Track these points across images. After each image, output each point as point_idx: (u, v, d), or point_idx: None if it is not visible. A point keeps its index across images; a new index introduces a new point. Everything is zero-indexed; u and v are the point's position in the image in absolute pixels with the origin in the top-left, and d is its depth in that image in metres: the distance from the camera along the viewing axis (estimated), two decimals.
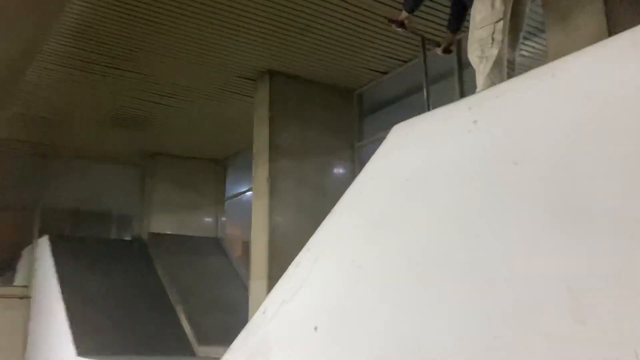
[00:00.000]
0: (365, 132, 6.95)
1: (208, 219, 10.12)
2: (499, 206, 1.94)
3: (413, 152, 2.38)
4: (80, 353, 6.29)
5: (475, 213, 2.01)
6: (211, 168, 10.25)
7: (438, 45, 3.52)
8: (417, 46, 5.95)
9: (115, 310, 7.36)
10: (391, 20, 3.35)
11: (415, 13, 3.32)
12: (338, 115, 6.89)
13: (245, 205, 10.17)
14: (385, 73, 6.60)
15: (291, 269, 3.01)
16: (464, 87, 5.58)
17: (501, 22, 2.82)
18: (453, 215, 2.11)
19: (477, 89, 2.86)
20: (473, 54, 2.90)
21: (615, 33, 1.66)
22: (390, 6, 5.15)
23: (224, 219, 10.19)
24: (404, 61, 6.31)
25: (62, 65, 6.53)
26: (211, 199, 10.18)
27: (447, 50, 3.48)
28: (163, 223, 9.61)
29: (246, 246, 9.92)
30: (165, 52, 6.19)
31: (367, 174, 2.64)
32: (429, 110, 3.47)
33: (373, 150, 7.23)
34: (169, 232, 9.49)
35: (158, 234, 9.33)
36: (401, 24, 3.31)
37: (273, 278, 5.93)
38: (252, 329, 3.29)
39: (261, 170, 6.31)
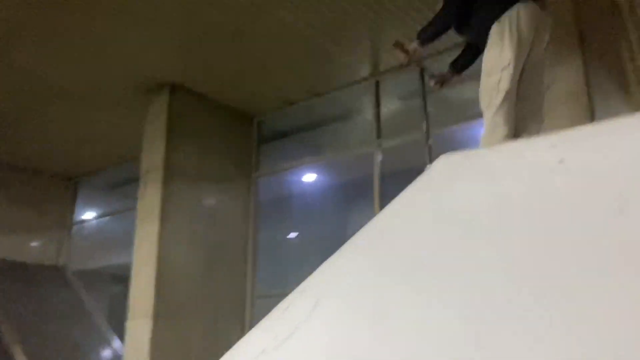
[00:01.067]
0: (262, 163, 6.57)
1: (50, 244, 8.71)
2: (598, 261, 1.76)
3: (472, 188, 2.13)
4: None
5: (567, 267, 1.81)
6: (60, 186, 8.92)
7: (433, 76, 3.39)
8: (329, 78, 5.83)
9: None
10: (397, 45, 3.11)
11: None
12: (236, 141, 6.43)
13: (93, 231, 9.02)
14: (291, 103, 6.33)
15: (276, 312, 2.53)
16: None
17: (508, 70, 2.74)
18: (531, 267, 1.88)
19: (482, 135, 2.74)
20: (482, 102, 2.80)
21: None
22: (307, 32, 4.93)
23: (68, 245, 8.85)
24: (316, 94, 6.11)
25: None
26: (55, 221, 8.81)
27: (440, 84, 3.35)
28: None
29: (94, 276, 8.75)
30: (47, 42, 5.22)
31: (398, 208, 2.32)
32: (428, 147, 3.30)
33: (270, 182, 6.91)
34: (2, 257, 7.95)
35: None
36: (406, 52, 3.09)
37: (160, 316, 5.21)
38: None
39: (152, 193, 5.56)
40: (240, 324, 5.89)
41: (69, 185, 9.03)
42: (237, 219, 6.19)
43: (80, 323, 7.56)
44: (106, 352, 7.25)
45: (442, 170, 2.23)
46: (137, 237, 5.59)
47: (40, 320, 7.15)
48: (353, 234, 7.02)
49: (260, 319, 6.44)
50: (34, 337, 6.73)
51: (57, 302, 7.77)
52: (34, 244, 8.66)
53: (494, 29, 2.77)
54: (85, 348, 7.14)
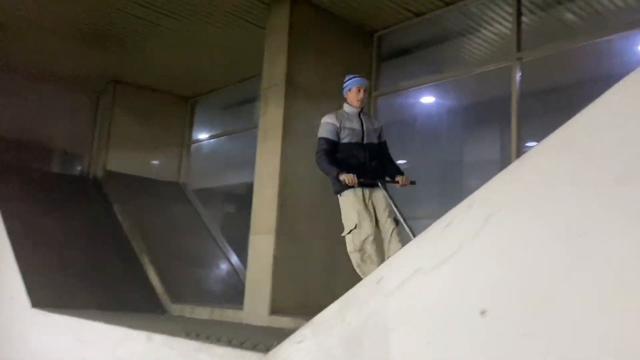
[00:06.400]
0: (382, 81, 6.14)
1: (170, 162, 8.94)
2: None
3: None
4: (35, 304, 5.17)
5: None
6: (178, 105, 9.04)
7: None
8: None
9: (73, 256, 6.25)
10: None
11: None
12: (356, 58, 6.02)
13: (209, 151, 9.14)
14: (417, 15, 5.76)
15: (434, 229, 2.21)
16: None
17: None
18: None
19: None
20: None
21: None
22: None
23: (187, 164, 9.03)
24: (445, 3, 5.51)
25: None
26: (176, 139, 9.00)
27: None
28: (119, 161, 8.37)
29: (210, 194, 8.93)
30: None
31: (607, 105, 1.85)
32: None
33: (390, 102, 6.45)
34: (127, 172, 8.26)
35: (116, 173, 8.11)
36: None
37: (283, 233, 5.11)
38: (353, 302, 2.47)
39: (273, 109, 5.36)
40: None
41: (187, 105, 9.12)
42: None
43: (200, 237, 7.78)
44: (225, 265, 7.43)
45: None
46: (258, 153, 5.47)
47: (164, 233, 7.42)
48: (479, 161, 6.38)
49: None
50: (160, 248, 6.99)
51: (179, 216, 8.03)
52: (156, 161, 8.93)
53: None
54: (205, 260, 7.36)
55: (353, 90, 3.88)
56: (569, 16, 5.18)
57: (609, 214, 1.75)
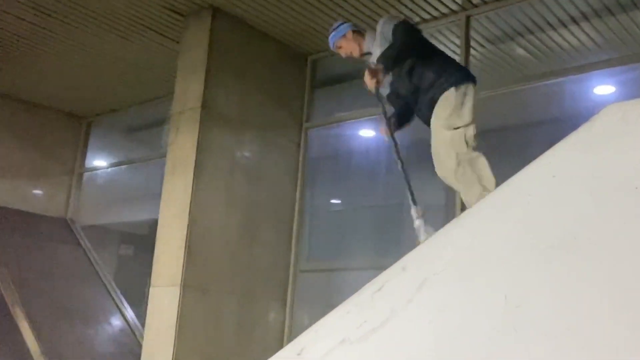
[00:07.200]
0: (315, 112, 6.29)
1: (57, 193, 8.64)
2: None
3: None
4: None
5: None
6: (71, 125, 8.81)
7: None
8: (406, 10, 5.47)
9: None
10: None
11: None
12: (287, 83, 6.17)
13: (106, 182, 8.95)
14: None
15: (364, 293, 2.27)
16: None
17: None
18: None
19: None
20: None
21: None
22: None
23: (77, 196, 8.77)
24: None
25: None
26: (65, 167, 8.73)
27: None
28: None
29: (104, 233, 8.70)
30: None
31: (545, 167, 2.00)
32: None
33: (324, 135, 6.61)
34: (2, 205, 7.94)
35: None
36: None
37: (190, 286, 5.05)
38: None
39: (185, 138, 5.35)
40: (281, 301, 5.71)
41: (81, 126, 8.91)
42: (282, 176, 5.97)
43: (88, 286, 7.53)
44: (118, 321, 7.21)
45: (608, 122, 1.90)
46: (165, 189, 5.42)
47: (44, 280, 7.15)
48: (422, 205, 6.56)
49: (305, 297, 6.22)
50: (36, 298, 6.74)
51: (63, 260, 7.76)
52: (39, 191, 8.62)
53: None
54: (94, 314, 7.13)
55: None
56: (520, 52, 5.55)
57: (544, 282, 1.88)
